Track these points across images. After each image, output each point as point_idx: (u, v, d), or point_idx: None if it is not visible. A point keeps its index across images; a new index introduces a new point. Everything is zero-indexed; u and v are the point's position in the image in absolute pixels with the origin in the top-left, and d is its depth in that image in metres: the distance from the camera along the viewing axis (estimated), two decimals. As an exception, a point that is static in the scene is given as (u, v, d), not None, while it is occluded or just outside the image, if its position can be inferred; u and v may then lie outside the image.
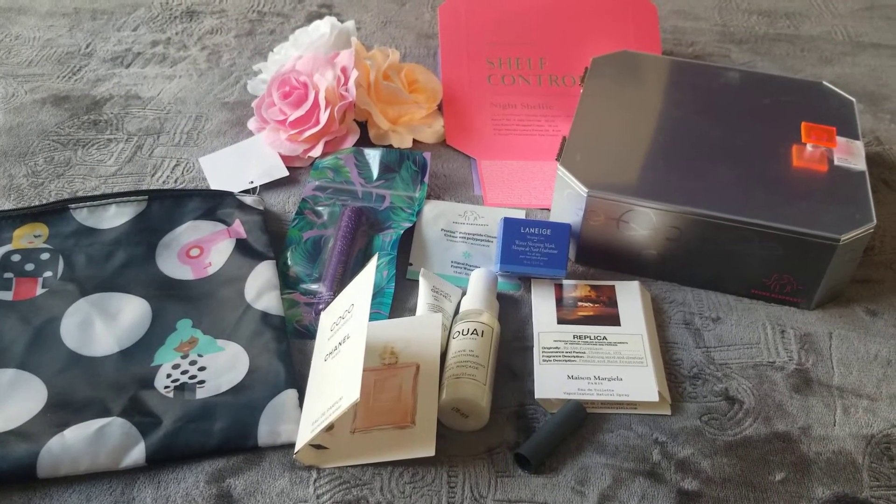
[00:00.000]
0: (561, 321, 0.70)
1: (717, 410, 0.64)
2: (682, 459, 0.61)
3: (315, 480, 0.59)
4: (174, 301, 0.71)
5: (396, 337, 0.66)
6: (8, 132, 0.91)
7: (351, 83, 0.86)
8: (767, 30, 1.15)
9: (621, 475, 0.60)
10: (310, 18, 1.11)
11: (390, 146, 0.89)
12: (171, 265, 0.74)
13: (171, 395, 0.63)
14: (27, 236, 0.75)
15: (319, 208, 0.80)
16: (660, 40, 0.98)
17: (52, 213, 0.76)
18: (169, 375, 0.65)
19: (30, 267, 0.72)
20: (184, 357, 0.66)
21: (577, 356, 0.66)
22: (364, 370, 0.58)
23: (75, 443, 0.59)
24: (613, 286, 0.72)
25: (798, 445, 0.62)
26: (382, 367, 0.64)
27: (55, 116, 0.93)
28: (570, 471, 0.60)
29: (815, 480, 0.60)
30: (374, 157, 0.85)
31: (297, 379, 0.65)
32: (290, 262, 0.75)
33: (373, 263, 0.62)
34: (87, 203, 0.77)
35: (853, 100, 0.83)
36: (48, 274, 0.72)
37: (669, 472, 0.60)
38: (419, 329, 0.66)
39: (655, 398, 0.63)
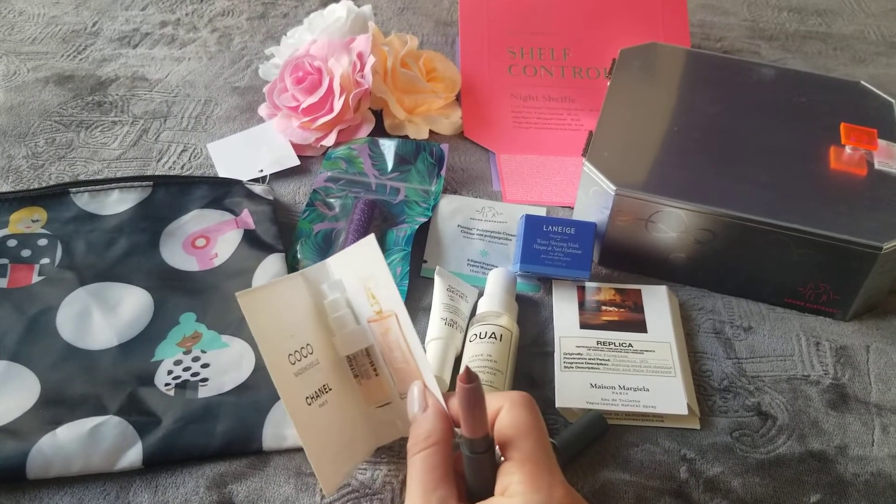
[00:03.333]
0: (584, 326, 0.66)
1: (749, 426, 0.61)
2: (712, 478, 0.57)
3: (322, 488, 0.56)
4: (177, 293, 0.67)
5: (363, 273, 0.56)
6: (8, 111, 0.87)
7: (367, 70, 0.83)
8: (798, 27, 1.11)
9: (646, 493, 0.56)
10: (325, 2, 1.08)
11: (406, 137, 0.85)
12: (176, 255, 0.70)
13: (171, 393, 0.60)
14: (24, 220, 0.71)
15: (331, 200, 0.77)
16: (689, 33, 0.94)
17: (52, 196, 0.73)
18: (170, 372, 0.61)
19: (26, 253, 0.69)
20: (186, 353, 0.63)
21: (601, 363, 0.63)
22: (369, 321, 0.55)
23: (68, 442, 0.55)
24: (640, 290, 0.69)
25: (834, 466, 0.58)
26: (376, 316, 0.56)
27: (58, 96, 0.90)
28: (590, 488, 0.56)
29: (852, 503, 0.56)
30: (389, 147, 0.81)
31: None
32: (299, 256, 0.72)
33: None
34: (89, 187, 0.74)
35: (893, 101, 0.79)
36: (45, 261, 0.68)
37: (697, 491, 0.56)
38: (367, 260, 0.55)
39: (685, 411, 0.60)
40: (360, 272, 0.56)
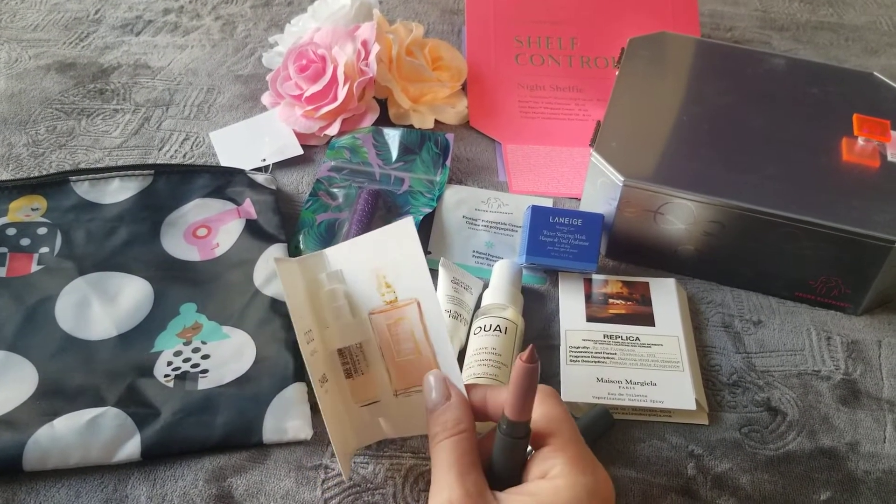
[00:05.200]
0: (590, 319, 0.65)
1: (758, 422, 0.59)
2: (720, 474, 0.56)
3: (323, 482, 0.55)
4: (178, 283, 0.66)
5: (377, 262, 0.54)
6: (9, 99, 0.86)
7: (372, 58, 0.81)
8: (809, 17, 1.09)
9: (652, 491, 0.55)
10: (329, -10, 1.06)
11: (411, 126, 0.84)
12: (177, 245, 0.69)
13: (171, 384, 0.59)
14: (24, 209, 0.70)
15: (334, 190, 0.76)
16: (699, 23, 0.93)
17: (52, 185, 0.72)
18: (170, 363, 0.60)
19: (25, 242, 0.68)
20: (186, 344, 0.62)
21: (608, 357, 0.62)
22: (371, 313, 0.53)
23: (66, 434, 0.55)
24: (647, 283, 0.68)
25: (845, 463, 0.57)
26: (386, 306, 0.54)
27: (60, 84, 0.89)
28: (597, 482, 0.55)
29: (863, 501, 0.55)
30: (393, 137, 0.80)
31: (305, 371, 0.60)
32: (302, 246, 0.71)
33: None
34: (90, 176, 0.73)
35: (907, 92, 0.78)
36: (45, 250, 0.67)
37: (705, 488, 0.55)
38: (396, 244, 0.53)
39: (692, 406, 0.58)
40: (376, 259, 0.53)
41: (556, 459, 0.45)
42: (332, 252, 0.55)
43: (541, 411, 0.47)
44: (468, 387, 0.51)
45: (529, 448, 0.47)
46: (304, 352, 0.50)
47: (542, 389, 0.48)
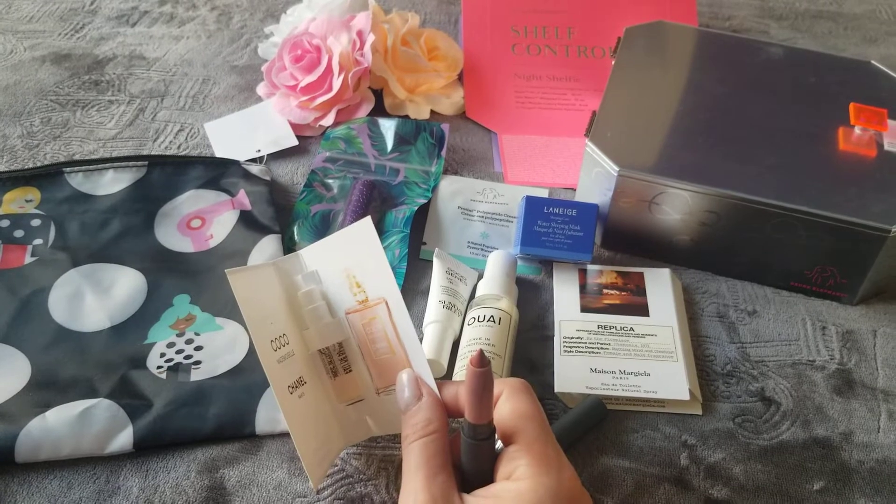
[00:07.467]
0: (584, 309, 0.65)
1: (752, 412, 0.59)
2: (713, 464, 0.56)
3: (310, 478, 0.54)
4: (172, 274, 0.66)
5: (347, 262, 0.54)
6: (4, 90, 0.86)
7: (367, 48, 0.81)
8: (809, 6, 1.08)
9: (645, 481, 0.55)
10: (326, -20, 1.06)
11: (406, 117, 0.84)
12: (171, 236, 0.69)
13: (163, 375, 0.59)
14: (18, 200, 0.70)
15: (329, 181, 0.75)
16: (696, 12, 0.92)
17: (46, 176, 0.72)
18: (163, 355, 0.60)
19: (19, 233, 0.68)
20: (179, 335, 0.62)
21: (602, 348, 0.62)
22: (347, 313, 0.53)
23: (58, 425, 0.55)
24: (642, 273, 0.67)
25: (839, 452, 0.57)
26: (359, 306, 0.54)
27: (54, 75, 0.89)
28: (588, 475, 0.55)
29: (856, 491, 0.55)
30: (388, 127, 0.80)
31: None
32: (296, 238, 0.70)
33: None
34: (83, 167, 0.73)
35: (905, 81, 0.77)
36: (38, 241, 0.67)
37: (698, 478, 0.55)
38: (359, 245, 0.53)
39: (686, 396, 0.58)
40: (345, 260, 0.54)
41: (520, 460, 0.45)
42: (306, 253, 0.55)
43: (508, 407, 0.46)
44: (440, 384, 0.50)
45: (500, 444, 0.47)
46: (267, 361, 0.49)
47: (511, 384, 0.48)
